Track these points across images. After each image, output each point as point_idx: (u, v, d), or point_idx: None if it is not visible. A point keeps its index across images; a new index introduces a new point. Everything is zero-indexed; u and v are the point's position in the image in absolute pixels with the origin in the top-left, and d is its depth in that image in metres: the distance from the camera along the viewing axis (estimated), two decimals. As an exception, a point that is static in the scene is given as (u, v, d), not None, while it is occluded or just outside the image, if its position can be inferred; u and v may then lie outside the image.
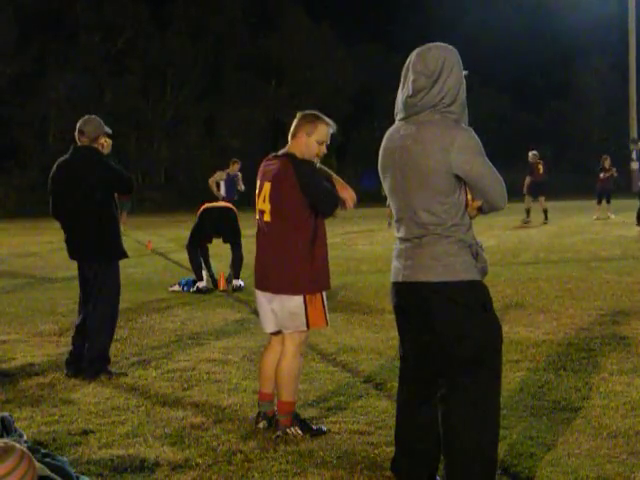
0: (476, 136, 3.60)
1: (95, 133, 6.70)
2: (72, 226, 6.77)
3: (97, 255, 6.74)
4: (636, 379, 5.89)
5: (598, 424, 4.91)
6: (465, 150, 3.56)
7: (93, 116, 6.85)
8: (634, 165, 48.59)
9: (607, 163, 26.31)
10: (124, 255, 6.91)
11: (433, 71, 3.64)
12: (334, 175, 5.10)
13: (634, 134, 49.06)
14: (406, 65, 3.75)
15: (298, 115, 5.02)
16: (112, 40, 49.59)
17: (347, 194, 4.98)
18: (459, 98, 3.67)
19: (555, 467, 4.24)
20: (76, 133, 6.73)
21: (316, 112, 5.05)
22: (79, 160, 6.69)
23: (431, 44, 3.74)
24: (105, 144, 6.76)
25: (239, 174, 17.17)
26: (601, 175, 26.11)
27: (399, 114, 3.78)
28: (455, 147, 3.54)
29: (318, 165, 5.06)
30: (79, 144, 6.73)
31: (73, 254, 6.85)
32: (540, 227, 22.65)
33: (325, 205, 4.89)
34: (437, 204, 3.59)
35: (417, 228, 3.65)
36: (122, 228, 8.05)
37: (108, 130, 6.81)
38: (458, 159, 3.54)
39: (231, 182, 16.75)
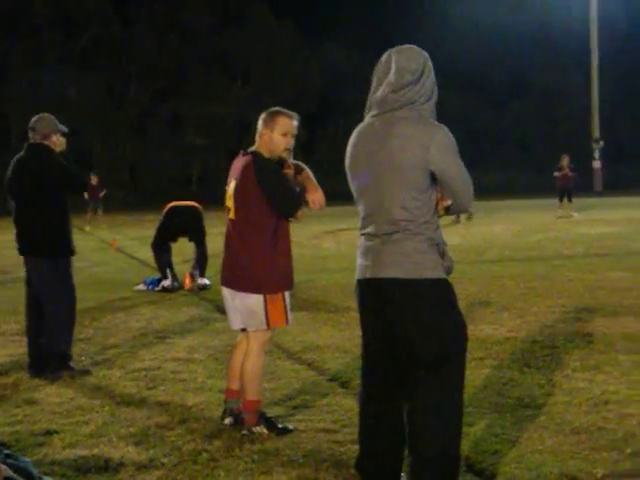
0: (451, 136, 3.64)
1: (46, 130, 6.64)
2: (20, 222, 6.72)
3: (42, 253, 6.66)
4: (598, 376, 5.96)
5: (561, 420, 4.96)
6: (443, 148, 3.60)
7: (47, 114, 6.80)
8: (596, 164, 49.15)
9: (565, 162, 26.60)
10: (71, 253, 6.80)
11: (416, 69, 3.70)
12: (309, 175, 5.06)
13: (597, 134, 49.61)
14: (385, 60, 3.77)
15: (262, 114, 5.03)
16: (76, 37, 49.17)
17: (315, 196, 4.94)
18: (434, 97, 3.74)
19: (519, 463, 4.27)
20: (28, 130, 6.70)
21: (277, 108, 5.04)
22: (30, 157, 6.65)
23: (408, 45, 3.82)
24: (57, 142, 6.69)
25: None
26: (556, 174, 26.41)
27: (373, 110, 3.78)
28: (434, 144, 3.58)
29: (294, 161, 5.05)
30: (31, 141, 6.69)
31: (20, 251, 6.80)
32: (505, 225, 22.80)
33: (284, 205, 4.87)
34: (411, 200, 3.61)
35: (388, 224, 3.65)
36: (88, 227, 7.98)
37: (62, 128, 6.74)
38: (436, 156, 3.57)
39: None
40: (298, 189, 4.92)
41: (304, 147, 45.22)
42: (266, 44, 54.00)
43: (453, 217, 23.86)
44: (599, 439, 4.60)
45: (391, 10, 57.36)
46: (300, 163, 5.11)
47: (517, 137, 58.64)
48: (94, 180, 28.18)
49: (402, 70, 3.69)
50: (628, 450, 4.40)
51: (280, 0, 54.63)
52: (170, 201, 12.36)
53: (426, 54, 3.80)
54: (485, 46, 57.79)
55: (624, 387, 5.63)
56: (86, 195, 26.45)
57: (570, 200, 26.08)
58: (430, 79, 3.74)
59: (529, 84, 59.75)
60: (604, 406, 5.21)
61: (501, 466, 4.25)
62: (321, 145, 52.31)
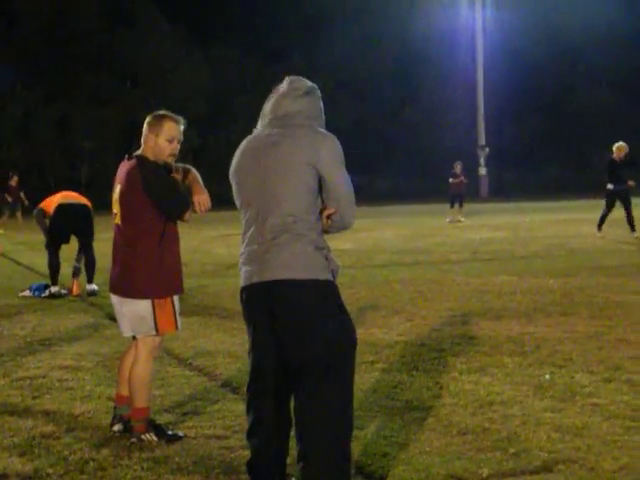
0: (340, 146, 3.76)
1: None
2: None
3: None
4: (484, 377, 6.11)
5: (448, 422, 5.06)
6: (333, 154, 3.72)
7: None
8: (482, 171, 50.49)
9: (458, 169, 27.34)
10: None
11: (311, 89, 3.91)
12: (196, 177, 5.02)
13: (482, 141, 50.97)
14: (282, 84, 3.94)
15: (147, 117, 4.96)
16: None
17: (200, 198, 4.92)
18: (323, 119, 3.93)
19: (407, 465, 4.35)
20: None
21: (162, 111, 4.99)
22: None
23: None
24: None
25: None
26: (451, 180, 27.07)
27: (267, 119, 3.87)
28: (324, 148, 3.70)
29: (181, 165, 5.01)
30: None
31: None
32: (395, 230, 23.14)
33: (170, 208, 4.84)
34: (301, 197, 3.66)
35: (277, 224, 3.68)
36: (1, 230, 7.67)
37: None
38: (325, 159, 3.68)
39: None
40: (185, 192, 4.90)
41: (195, 151, 44.87)
42: (156, 46, 53.40)
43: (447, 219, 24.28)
44: (484, 440, 4.72)
45: (282, 17, 57.51)
46: (186, 165, 5.09)
47: (407, 144, 59.62)
48: (14, 181, 26.74)
49: (298, 87, 3.88)
50: (512, 450, 4.52)
51: (171, 3, 54.18)
52: (55, 192, 11.72)
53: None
54: (375, 54, 58.57)
55: (508, 388, 5.79)
56: (9, 198, 25.20)
57: (461, 205, 26.73)
58: (320, 104, 3.95)
59: (418, 93, 60.84)
60: (489, 407, 5.35)
61: (390, 468, 4.31)
62: (212, 149, 51.98)
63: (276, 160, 3.72)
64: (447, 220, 26.15)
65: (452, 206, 26.81)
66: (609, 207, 18.11)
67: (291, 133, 3.74)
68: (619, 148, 18.09)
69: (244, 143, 3.94)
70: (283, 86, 3.92)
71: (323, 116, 3.93)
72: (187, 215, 4.86)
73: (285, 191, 3.68)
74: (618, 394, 5.55)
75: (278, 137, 3.76)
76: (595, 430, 4.81)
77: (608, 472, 4.16)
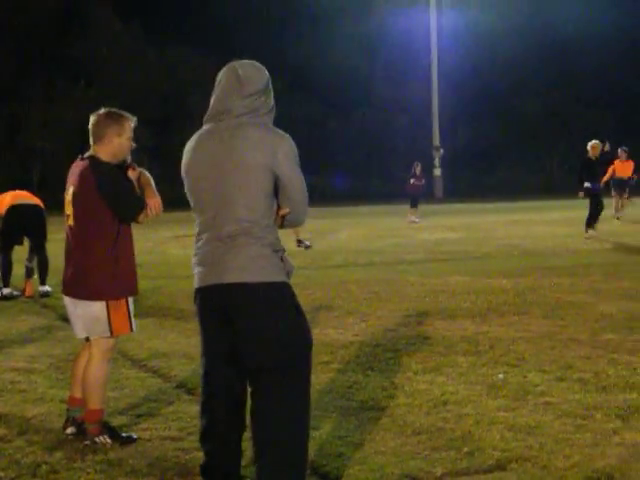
0: (295, 146, 3.73)
1: None
2: None
3: None
4: (438, 377, 6.15)
5: (403, 422, 5.09)
6: (289, 155, 3.68)
7: None
8: (437, 171, 50.85)
9: (418, 170, 27.50)
10: None
11: (262, 79, 3.80)
12: (148, 181, 5.00)
13: (437, 142, 51.33)
14: (230, 70, 3.80)
15: (97, 117, 4.91)
16: None
17: (152, 202, 4.90)
18: (274, 109, 3.85)
19: (362, 465, 4.36)
20: None
21: (115, 110, 4.96)
22: None
23: (250, 61, 3.89)
24: None
25: None
26: (412, 181, 27.20)
27: (216, 116, 3.79)
28: (281, 149, 3.65)
29: (140, 169, 5.00)
30: None
31: None
32: (351, 231, 23.18)
33: (125, 210, 4.81)
34: (256, 200, 3.63)
35: (232, 226, 3.65)
36: None
37: None
38: (282, 161, 3.64)
39: None
40: (140, 193, 4.88)
41: (149, 152, 44.54)
42: (110, 46, 52.97)
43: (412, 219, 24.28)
44: (438, 439, 4.75)
45: (236, 17, 57.35)
46: (138, 168, 5.06)
47: (363, 145, 59.80)
48: None
49: (250, 80, 3.76)
50: (465, 449, 4.56)
51: (124, 2, 53.71)
52: (5, 192, 11.51)
53: (265, 70, 3.89)
54: (329, 54, 58.64)
55: (462, 388, 5.84)
56: None
57: (416, 206, 26.91)
58: (271, 94, 3.85)
59: (374, 93, 61.07)
60: (443, 407, 5.39)
61: (345, 468, 4.33)
62: (166, 150, 51.64)
63: (232, 164, 3.65)
64: (409, 220, 26.21)
65: (412, 207, 26.92)
66: (596, 204, 18.06)
67: (245, 135, 3.67)
68: (594, 147, 18.22)
69: (195, 140, 3.85)
70: (231, 76, 3.78)
71: (274, 108, 3.85)
72: (141, 217, 4.84)
73: (242, 197, 3.63)
74: (570, 393, 5.63)
75: (232, 139, 3.68)
76: (547, 428, 4.87)
77: (560, 470, 4.22)
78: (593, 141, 18.39)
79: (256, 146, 3.64)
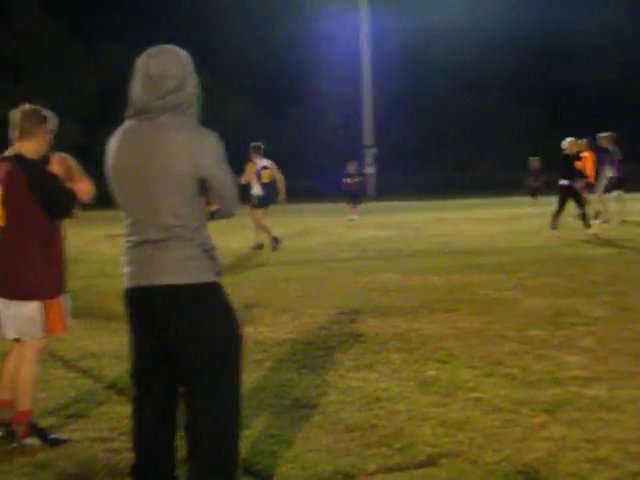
0: (221, 142, 3.65)
1: None
2: None
3: None
4: (371, 374, 6.20)
5: (336, 419, 5.12)
6: (214, 155, 3.60)
7: None
8: (370, 169, 51.11)
9: (353, 168, 27.74)
10: None
11: (177, 74, 3.63)
12: (74, 165, 4.98)
13: (369, 141, 51.62)
14: (142, 65, 3.67)
15: (25, 113, 4.85)
16: None
17: (82, 186, 4.85)
18: (198, 100, 3.72)
19: (295, 463, 4.37)
20: None
21: (36, 107, 4.92)
22: None
23: (166, 46, 3.71)
24: None
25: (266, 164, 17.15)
26: (348, 180, 27.37)
27: (136, 114, 3.69)
28: (205, 151, 3.57)
29: (58, 154, 4.95)
30: None
31: None
32: (284, 229, 23.17)
33: (58, 207, 4.77)
34: (182, 206, 3.58)
35: (159, 231, 3.60)
36: None
37: None
38: (207, 163, 3.57)
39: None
40: (69, 187, 4.83)
41: (81, 150, 43.94)
42: (39, 43, 52.03)
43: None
44: (371, 436, 4.79)
45: (166, 13, 56.86)
46: (62, 154, 5.01)
47: (295, 143, 59.81)
48: None
49: (163, 77, 3.60)
50: (397, 445, 4.61)
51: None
52: None
53: (186, 55, 3.72)
54: (260, 52, 58.56)
55: (395, 385, 5.89)
56: None
57: (356, 204, 27.13)
58: (192, 81, 3.68)
59: (306, 91, 61.14)
60: (376, 404, 5.43)
61: (278, 467, 4.33)
62: (97, 148, 50.91)
63: (156, 171, 3.56)
64: (348, 218, 26.31)
65: (349, 204, 27.11)
66: (562, 204, 17.54)
67: (168, 138, 3.55)
68: (571, 144, 17.77)
69: (118, 139, 3.74)
70: (144, 75, 3.63)
71: (198, 96, 3.70)
72: (75, 212, 4.81)
73: (168, 205, 3.56)
74: (498, 388, 5.72)
75: (155, 143, 3.56)
76: (477, 424, 4.95)
77: (489, 464, 4.29)
78: (570, 138, 17.91)
79: (180, 151, 3.53)
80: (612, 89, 62.82)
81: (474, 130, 63.51)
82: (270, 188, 17.41)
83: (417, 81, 60.67)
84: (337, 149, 54.18)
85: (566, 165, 17.65)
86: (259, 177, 17.07)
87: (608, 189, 20.98)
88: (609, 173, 20.88)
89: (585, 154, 20.14)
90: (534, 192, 31.28)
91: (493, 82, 63.94)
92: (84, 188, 4.86)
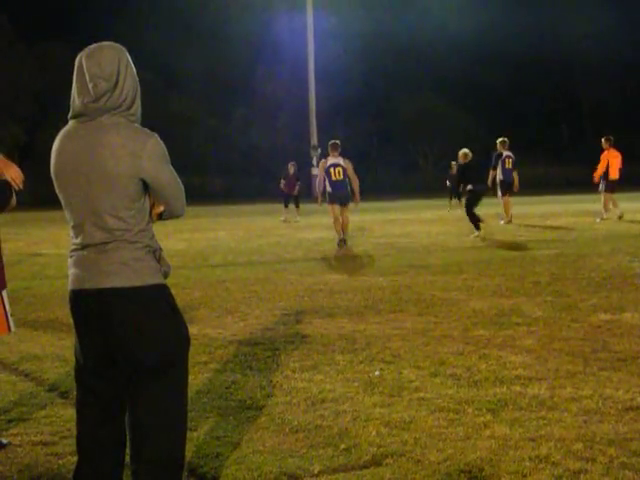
0: (163, 143, 3.61)
1: None
2: None
3: None
4: (316, 375, 6.21)
5: (281, 420, 5.11)
6: (155, 157, 3.55)
7: None
8: (315, 171, 51.17)
9: (292, 170, 27.89)
10: None
11: (111, 74, 3.56)
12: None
13: (315, 141, 51.70)
14: (78, 66, 3.61)
15: None
16: None
17: (11, 173, 4.73)
18: (137, 99, 3.65)
19: (240, 465, 4.36)
20: None
21: None
22: None
23: (102, 44, 3.64)
24: None
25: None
26: (282, 182, 27.64)
27: (77, 116, 3.65)
28: (145, 153, 3.51)
29: None
30: None
31: None
32: (229, 230, 23.10)
33: None
34: (124, 209, 3.54)
35: (102, 234, 3.56)
36: None
37: None
38: (147, 165, 3.52)
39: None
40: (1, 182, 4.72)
41: (22, 150, 43.30)
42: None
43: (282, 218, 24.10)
44: (316, 436, 4.79)
45: (109, 12, 56.33)
46: None
47: (242, 143, 59.66)
48: None
49: (96, 78, 3.54)
50: (342, 446, 4.62)
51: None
52: None
53: (121, 50, 3.65)
54: (208, 52, 58.30)
55: (340, 385, 5.90)
56: None
57: (297, 206, 27.21)
58: (130, 78, 3.61)
59: (254, 92, 61.06)
60: (321, 404, 5.44)
61: (223, 469, 4.32)
62: (39, 147, 50.23)
63: (95, 175, 3.51)
64: (281, 219, 26.44)
65: (286, 206, 27.18)
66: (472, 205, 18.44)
67: (107, 141, 3.49)
68: (463, 155, 18.87)
69: (60, 140, 3.69)
70: (81, 77, 3.56)
71: (137, 93, 3.63)
72: (12, 201, 4.70)
73: (109, 209, 3.52)
74: (443, 388, 5.77)
75: (94, 147, 3.51)
76: (421, 423, 4.99)
77: (434, 463, 4.32)
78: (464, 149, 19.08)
79: (119, 154, 3.48)
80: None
81: (419, 132, 64.04)
82: (341, 186, 17.20)
83: (363, 83, 60.98)
84: (288, 149, 54.17)
85: (468, 172, 18.76)
86: (329, 174, 17.00)
87: (504, 192, 22.62)
88: (500, 177, 22.49)
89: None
90: (459, 195, 31.62)
91: (435, 86, 64.53)
92: (14, 174, 4.72)
